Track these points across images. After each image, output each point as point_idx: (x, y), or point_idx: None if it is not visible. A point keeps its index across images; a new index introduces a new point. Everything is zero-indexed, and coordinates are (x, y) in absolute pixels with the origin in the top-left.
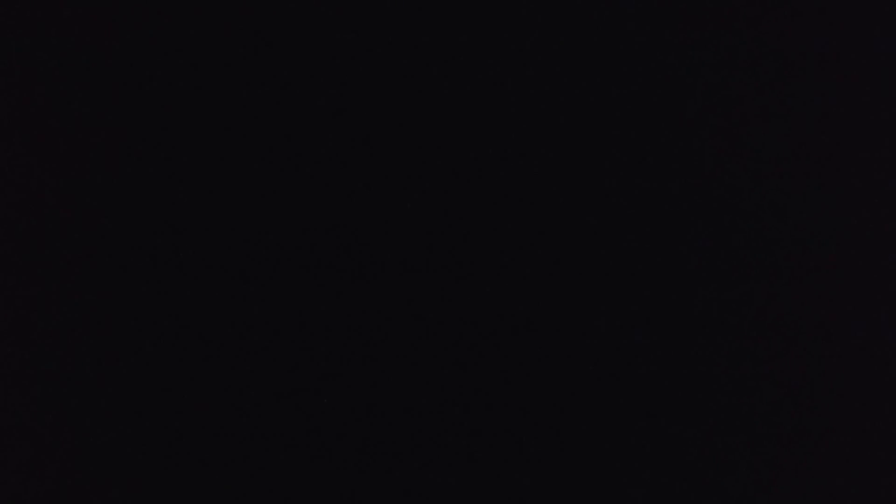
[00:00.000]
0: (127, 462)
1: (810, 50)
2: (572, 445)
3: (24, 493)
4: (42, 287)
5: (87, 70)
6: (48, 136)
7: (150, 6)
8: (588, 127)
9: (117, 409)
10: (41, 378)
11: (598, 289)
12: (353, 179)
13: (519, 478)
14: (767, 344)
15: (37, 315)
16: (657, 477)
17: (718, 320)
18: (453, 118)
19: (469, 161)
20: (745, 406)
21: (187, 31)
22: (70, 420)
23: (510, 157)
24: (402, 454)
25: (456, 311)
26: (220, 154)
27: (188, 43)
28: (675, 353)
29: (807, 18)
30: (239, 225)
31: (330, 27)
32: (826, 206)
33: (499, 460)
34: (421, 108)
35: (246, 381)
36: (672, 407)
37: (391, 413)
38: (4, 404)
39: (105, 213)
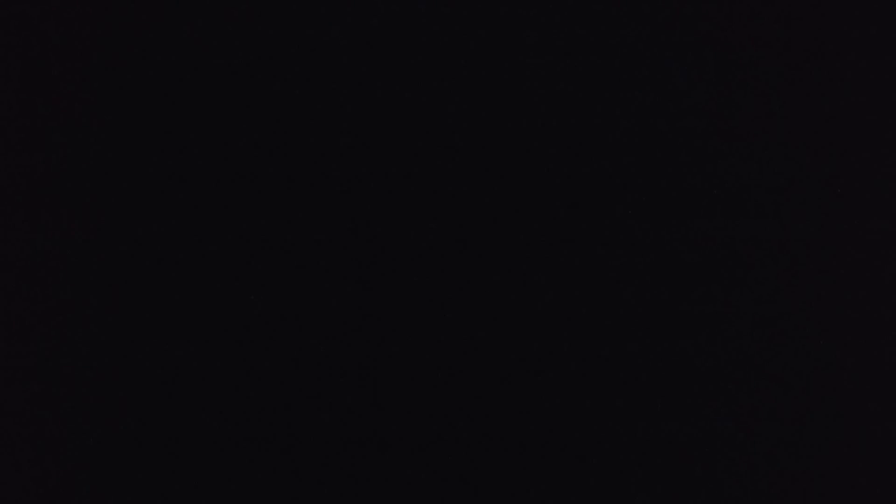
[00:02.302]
0: (127, 462)
1: (810, 50)
2: (572, 445)
3: (23, 493)
4: (42, 287)
5: (86, 69)
6: (48, 136)
7: (149, 6)
8: (588, 126)
9: (117, 408)
10: (41, 378)
11: (597, 288)
12: (353, 179)
13: (519, 478)
14: (767, 344)
15: (37, 315)
16: (657, 477)
17: (718, 320)
18: (454, 118)
19: (469, 161)
20: (745, 406)
21: (187, 30)
22: (70, 420)
23: (510, 157)
24: (401, 454)
25: (456, 310)
26: (220, 153)
27: (188, 42)
28: (674, 352)
29: (806, 18)
30: (238, 225)
31: (330, 27)
32: (826, 205)
33: (499, 460)
34: (421, 108)
35: (246, 381)
36: (672, 407)
37: (391, 413)
38: (4, 404)
39: (105, 212)
